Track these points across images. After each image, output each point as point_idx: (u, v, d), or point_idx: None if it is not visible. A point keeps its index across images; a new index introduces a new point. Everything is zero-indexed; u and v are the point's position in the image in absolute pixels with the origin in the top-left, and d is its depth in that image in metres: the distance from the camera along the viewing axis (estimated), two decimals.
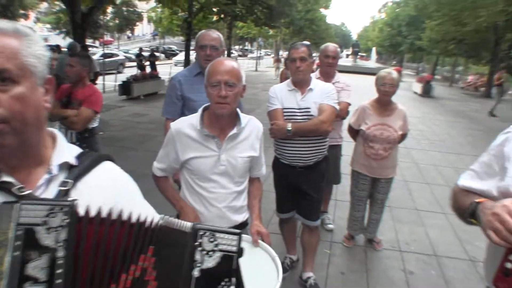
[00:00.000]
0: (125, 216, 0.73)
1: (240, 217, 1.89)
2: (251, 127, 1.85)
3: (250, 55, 45.19)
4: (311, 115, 2.58)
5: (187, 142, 1.73)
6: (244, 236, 1.67)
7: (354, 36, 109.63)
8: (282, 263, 3.11)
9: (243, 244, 1.59)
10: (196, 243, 0.72)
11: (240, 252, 0.77)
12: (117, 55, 21.81)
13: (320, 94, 2.62)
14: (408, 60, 55.08)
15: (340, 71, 3.79)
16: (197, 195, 1.80)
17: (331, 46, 3.51)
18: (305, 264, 3.03)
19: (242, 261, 1.53)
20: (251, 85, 16.78)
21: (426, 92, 18.90)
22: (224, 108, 1.65)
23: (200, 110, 1.78)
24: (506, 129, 1.16)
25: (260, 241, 1.64)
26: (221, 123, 1.74)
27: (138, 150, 6.46)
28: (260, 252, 1.59)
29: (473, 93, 25.05)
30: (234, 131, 1.74)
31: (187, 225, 0.75)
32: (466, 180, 1.25)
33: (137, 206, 0.80)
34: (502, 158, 1.12)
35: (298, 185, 2.77)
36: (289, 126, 2.52)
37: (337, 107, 2.70)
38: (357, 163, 3.48)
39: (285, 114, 2.62)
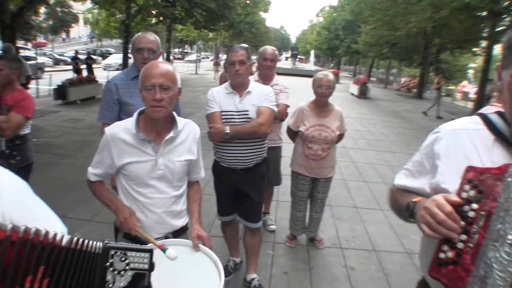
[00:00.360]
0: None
1: (180, 222, 1.85)
2: (188, 131, 1.81)
3: (187, 58, 44.09)
4: (250, 118, 2.58)
5: (123, 147, 1.67)
6: (185, 241, 1.64)
7: (293, 39, 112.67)
8: (226, 266, 3.10)
9: (184, 249, 1.53)
10: (107, 264, 0.66)
11: (151, 268, 0.72)
12: (35, 58, 17.91)
13: (258, 96, 2.63)
14: (345, 63, 57.65)
15: (280, 74, 3.83)
16: (134, 201, 1.74)
17: (269, 49, 3.54)
18: (249, 266, 3.02)
19: (184, 266, 1.47)
20: (191, 88, 16.61)
21: (363, 94, 19.86)
22: (159, 112, 1.61)
23: (135, 114, 1.72)
24: (436, 129, 1.20)
25: (201, 245, 1.60)
26: (157, 127, 1.70)
27: (76, 157, 6.12)
28: (201, 257, 1.56)
29: (406, 94, 26.77)
30: (171, 134, 1.70)
31: (97, 245, 0.68)
32: (401, 179, 1.30)
33: (30, 219, 0.71)
34: (432, 157, 1.17)
35: (239, 188, 2.76)
36: (228, 129, 2.50)
37: (275, 109, 2.71)
38: (296, 164, 3.52)
39: (223, 117, 2.60)
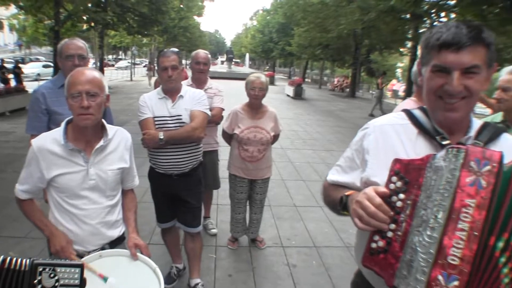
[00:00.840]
0: None
1: (116, 232, 1.80)
2: (119, 138, 1.77)
3: (117, 65, 40.73)
4: (183, 122, 2.57)
5: (51, 159, 1.60)
6: (122, 251, 1.61)
7: (228, 43, 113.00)
8: (169, 273, 3.06)
9: (122, 259, 1.49)
10: (35, 281, 0.64)
11: (83, 283, 0.71)
12: None
13: (191, 100, 2.63)
14: (281, 65, 58.97)
15: (216, 78, 3.85)
16: (67, 213, 1.66)
17: (201, 53, 3.53)
18: (192, 271, 3.00)
19: (123, 276, 1.43)
20: (126, 95, 16.02)
21: (298, 95, 20.47)
22: (87, 119, 1.56)
23: (63, 124, 1.65)
24: (364, 125, 1.27)
25: (139, 254, 1.58)
26: (86, 135, 1.64)
27: (6, 172, 5.63)
28: (140, 265, 1.55)
29: (340, 94, 27.99)
30: (101, 143, 1.65)
31: (25, 262, 0.66)
32: (333, 175, 1.34)
33: None
34: (362, 152, 1.22)
35: (176, 193, 2.74)
36: (161, 135, 2.47)
37: (209, 112, 2.72)
38: (233, 166, 3.54)
39: (156, 122, 2.56)
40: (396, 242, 0.96)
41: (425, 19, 15.78)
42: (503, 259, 0.83)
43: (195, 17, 45.05)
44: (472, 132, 1.10)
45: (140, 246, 1.64)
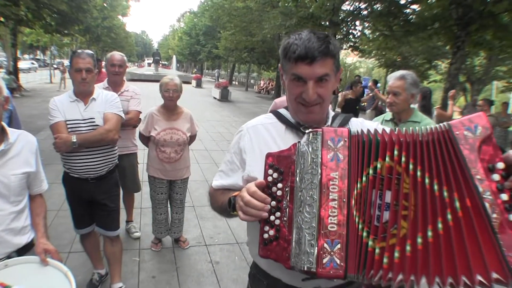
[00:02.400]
0: None
1: (24, 239, 1.73)
2: (23, 142, 1.72)
3: (21, 66, 36.02)
4: (96, 125, 2.55)
5: None
6: (31, 257, 1.57)
7: (156, 45, 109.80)
8: (91, 280, 3.04)
9: (32, 266, 1.48)
10: None
11: None
12: None
13: (104, 103, 2.61)
14: (208, 68, 58.70)
15: (143, 80, 3.82)
16: None
17: (116, 54, 3.50)
18: (113, 275, 2.97)
19: (34, 283, 1.41)
20: (44, 99, 14.92)
21: (224, 97, 20.62)
22: None
23: None
24: (239, 129, 1.39)
25: (49, 259, 1.54)
26: None
27: None
28: (51, 271, 1.52)
29: (265, 96, 28.62)
30: (2, 147, 1.60)
31: None
32: (218, 181, 1.40)
33: None
34: (240, 153, 1.32)
35: (93, 197, 2.70)
36: (74, 138, 2.42)
37: (123, 115, 2.73)
38: (152, 168, 3.55)
39: (69, 126, 2.50)
40: (284, 227, 1.03)
41: (342, 26, 16.86)
42: (354, 212, 0.97)
43: (120, 17, 43.09)
44: (329, 122, 1.31)
45: (49, 251, 1.60)
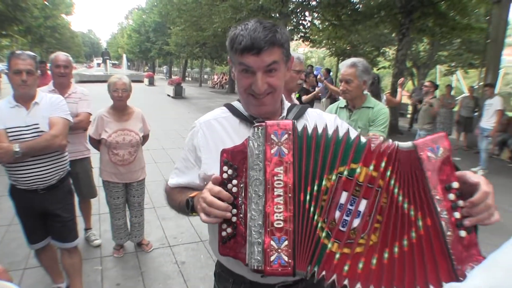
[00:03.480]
0: None
1: None
2: None
3: None
4: (41, 131, 2.38)
5: None
6: None
7: (104, 44, 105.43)
8: None
9: None
10: None
11: None
12: None
13: (48, 107, 2.45)
14: (160, 65, 57.40)
15: (94, 82, 3.65)
16: None
17: (61, 55, 3.32)
18: None
19: None
20: None
21: (178, 94, 20.35)
22: None
23: None
24: (192, 125, 1.35)
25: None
26: None
27: None
28: None
29: (220, 91, 28.47)
30: None
31: None
32: (173, 179, 1.37)
33: None
34: (194, 151, 1.28)
35: (45, 209, 2.53)
36: (17, 147, 2.24)
37: (70, 118, 2.58)
38: (105, 172, 3.42)
39: (10, 134, 2.32)
40: (241, 224, 1.02)
41: (292, 17, 17.06)
42: (312, 209, 0.96)
43: (64, 16, 40.96)
44: (284, 113, 1.29)
45: None
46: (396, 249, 0.91)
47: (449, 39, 16.46)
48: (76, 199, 2.91)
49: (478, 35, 14.06)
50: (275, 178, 0.96)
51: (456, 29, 12.87)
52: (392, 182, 0.94)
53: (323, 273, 0.94)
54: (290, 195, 0.95)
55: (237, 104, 1.31)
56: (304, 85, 7.72)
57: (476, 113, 10.12)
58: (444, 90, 11.58)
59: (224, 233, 1.04)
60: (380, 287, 0.90)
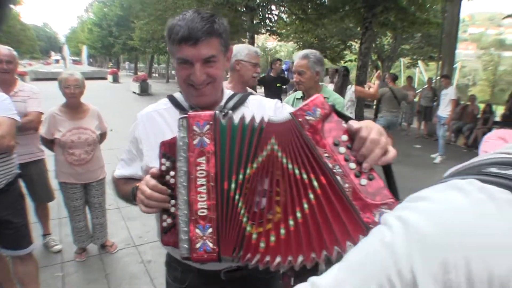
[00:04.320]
0: None
1: None
2: None
3: None
4: None
5: None
6: None
7: (63, 39, 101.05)
8: None
9: None
10: None
11: None
12: None
13: None
14: (124, 60, 55.88)
15: (51, 79, 3.44)
16: None
17: (3, 49, 3.08)
18: None
19: None
20: None
21: (144, 91, 20.00)
22: None
23: None
24: (136, 117, 1.36)
25: None
26: None
27: None
28: None
29: None
30: None
31: None
32: (119, 170, 1.39)
33: None
34: (136, 143, 1.31)
35: None
36: None
37: (18, 118, 2.42)
38: (61, 173, 3.28)
39: None
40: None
41: (259, 11, 17.03)
42: (237, 196, 0.99)
43: (12, 6, 38.75)
44: (223, 103, 1.29)
45: None
46: (299, 214, 0.94)
47: (410, 33, 17.03)
48: (33, 205, 2.76)
49: (436, 29, 14.61)
50: (198, 168, 0.99)
51: (415, 24, 13.31)
52: (280, 154, 0.96)
53: (248, 255, 0.97)
54: (212, 184, 0.98)
55: (178, 96, 1.32)
56: (271, 73, 7.61)
57: (434, 103, 10.53)
58: (405, 81, 11.93)
59: (165, 224, 1.07)
60: (298, 255, 0.93)
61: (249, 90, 3.13)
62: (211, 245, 0.98)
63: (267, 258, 0.95)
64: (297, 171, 0.94)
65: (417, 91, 12.66)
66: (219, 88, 1.26)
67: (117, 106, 13.90)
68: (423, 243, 0.40)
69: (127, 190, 1.24)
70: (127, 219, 4.42)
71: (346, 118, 0.94)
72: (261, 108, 1.23)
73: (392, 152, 0.89)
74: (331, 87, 5.09)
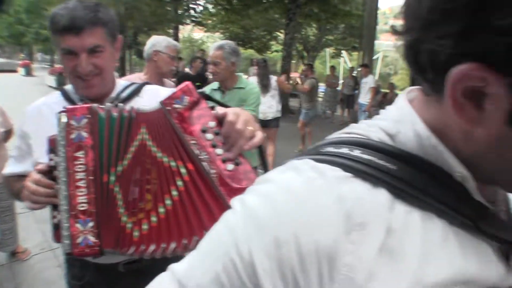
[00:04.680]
0: None
1: None
2: None
3: None
4: None
5: None
6: None
7: None
8: None
9: None
10: None
11: None
12: None
13: None
14: (40, 52, 51.76)
15: None
16: None
17: None
18: None
19: None
20: None
21: (62, 84, 18.42)
22: None
23: None
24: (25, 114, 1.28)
25: None
26: None
27: None
28: None
29: None
30: None
31: None
32: (9, 167, 1.30)
33: None
34: (25, 138, 1.23)
35: None
36: None
37: None
38: None
39: None
40: None
41: (184, 1, 16.67)
42: (117, 189, 0.98)
43: None
44: (114, 94, 1.26)
45: None
46: (168, 202, 0.96)
47: (334, 24, 17.86)
48: None
49: (357, 21, 15.46)
50: (76, 162, 0.97)
51: (338, 15, 14.01)
52: (150, 143, 0.98)
53: (125, 246, 0.98)
54: (91, 177, 0.97)
55: (69, 88, 1.27)
56: (191, 72, 7.44)
57: (356, 91, 11.18)
58: (329, 71, 12.47)
59: (55, 220, 1.03)
60: (170, 242, 0.95)
61: (168, 82, 3.08)
62: (92, 239, 0.97)
63: (143, 247, 0.97)
64: (165, 159, 0.96)
65: (341, 81, 13.32)
66: (109, 78, 1.23)
67: (30, 101, 12.52)
68: (257, 224, 0.42)
69: (19, 188, 1.16)
70: (41, 222, 4.07)
71: (219, 105, 0.98)
72: (156, 97, 1.22)
73: (258, 136, 0.94)
74: (255, 78, 5.19)
